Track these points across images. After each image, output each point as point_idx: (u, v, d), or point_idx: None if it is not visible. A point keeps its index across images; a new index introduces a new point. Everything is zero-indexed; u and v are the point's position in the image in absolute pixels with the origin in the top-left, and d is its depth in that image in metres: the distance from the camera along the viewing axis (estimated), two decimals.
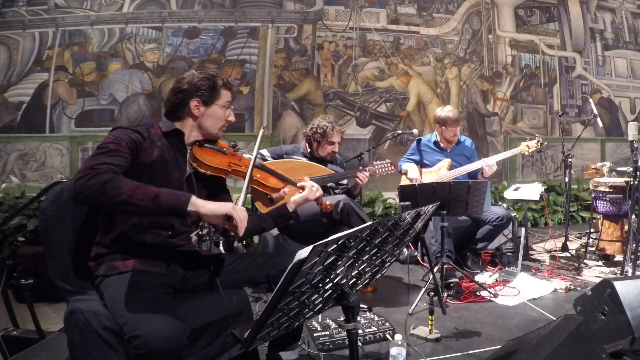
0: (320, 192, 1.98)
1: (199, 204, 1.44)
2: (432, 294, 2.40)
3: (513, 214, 3.72)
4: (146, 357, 1.29)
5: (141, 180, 1.50)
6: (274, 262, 1.75)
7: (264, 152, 3.16)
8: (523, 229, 3.71)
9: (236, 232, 1.50)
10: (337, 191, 3.20)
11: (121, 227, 1.60)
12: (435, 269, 2.80)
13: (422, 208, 1.40)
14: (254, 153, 1.77)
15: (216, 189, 1.84)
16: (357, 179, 3.04)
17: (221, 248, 3.57)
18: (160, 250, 1.64)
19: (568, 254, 3.93)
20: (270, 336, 1.20)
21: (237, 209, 1.49)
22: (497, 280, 3.23)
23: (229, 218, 1.48)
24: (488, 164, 3.46)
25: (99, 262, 1.60)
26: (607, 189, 3.63)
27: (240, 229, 1.49)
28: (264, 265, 1.75)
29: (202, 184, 1.77)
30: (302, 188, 1.95)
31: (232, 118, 1.79)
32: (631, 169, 3.18)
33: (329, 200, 2.77)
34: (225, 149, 1.80)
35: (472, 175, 3.61)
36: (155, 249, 1.63)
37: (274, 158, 3.12)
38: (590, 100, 4.48)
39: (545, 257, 3.97)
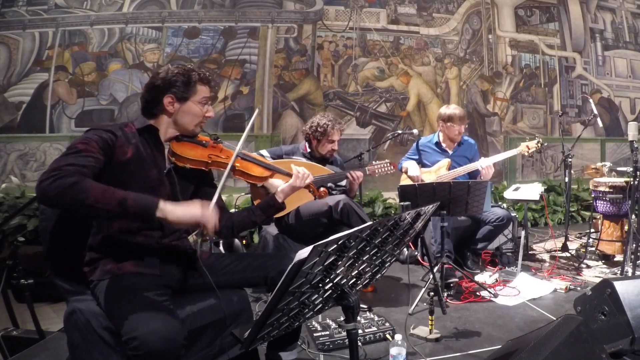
0: (310, 178, 1.92)
1: (167, 210, 1.41)
2: (432, 294, 2.40)
3: (513, 214, 3.72)
4: (144, 358, 1.29)
5: (118, 179, 1.49)
6: (272, 263, 1.74)
7: (264, 152, 3.16)
8: (523, 229, 3.71)
9: (205, 234, 1.48)
10: (334, 192, 3.19)
11: (107, 229, 1.59)
12: (435, 269, 2.80)
13: (422, 208, 1.40)
14: (241, 141, 1.69)
15: (201, 184, 1.81)
16: (350, 178, 3.03)
17: (221, 248, 3.57)
18: (153, 252, 1.63)
19: (568, 254, 3.92)
20: (270, 336, 1.19)
21: (205, 213, 1.46)
22: (497, 280, 3.23)
23: (197, 222, 1.46)
24: (484, 166, 3.45)
25: (94, 267, 1.59)
26: (607, 189, 3.63)
27: (210, 230, 1.47)
28: (263, 267, 1.74)
29: (186, 179, 1.73)
30: (291, 175, 1.89)
31: (210, 114, 1.73)
32: (631, 169, 3.18)
33: (329, 201, 2.79)
34: (205, 142, 1.74)
35: (473, 175, 3.61)
36: (148, 251, 1.62)
37: (274, 158, 3.12)
38: (590, 100, 4.48)
39: (545, 257, 3.97)
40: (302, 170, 1.91)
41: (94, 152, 1.46)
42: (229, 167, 1.64)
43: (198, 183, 1.80)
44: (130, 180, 1.54)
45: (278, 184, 1.94)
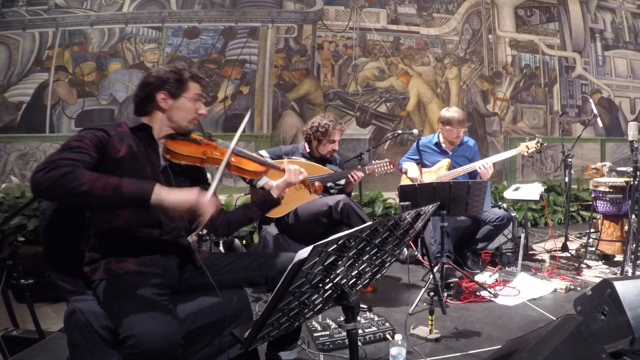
0: (304, 174, 1.94)
1: (163, 195, 1.41)
2: (432, 294, 2.40)
3: (513, 214, 3.72)
4: (140, 357, 1.29)
5: None
6: (273, 263, 1.74)
7: (263, 152, 3.16)
8: (523, 229, 3.70)
9: (199, 221, 1.47)
10: (333, 191, 3.20)
11: (105, 227, 1.59)
12: (435, 269, 2.80)
13: (422, 208, 1.40)
14: (235, 137, 1.71)
15: (196, 181, 1.81)
16: (350, 177, 3.04)
17: (221, 248, 3.57)
18: (154, 250, 1.63)
19: (568, 254, 3.92)
20: (270, 336, 1.20)
21: (201, 199, 1.46)
22: (497, 280, 3.23)
23: (193, 208, 1.45)
24: (482, 167, 3.45)
25: (95, 268, 1.59)
26: (607, 189, 3.63)
27: (205, 217, 1.46)
28: (263, 266, 1.74)
29: (182, 176, 1.75)
30: (284, 170, 1.90)
31: (203, 111, 1.75)
32: (631, 169, 3.17)
33: (329, 201, 2.79)
34: (198, 140, 1.76)
35: (473, 175, 3.61)
36: (149, 250, 1.62)
37: (273, 159, 3.12)
38: (590, 100, 4.48)
39: (545, 257, 3.97)
40: (295, 166, 1.93)
41: (87, 148, 1.48)
42: (225, 159, 1.66)
43: (193, 180, 1.81)
44: (125, 177, 1.54)
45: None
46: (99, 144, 1.52)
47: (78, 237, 1.66)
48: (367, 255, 1.23)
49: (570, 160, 4.00)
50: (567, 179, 4.03)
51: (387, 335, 2.31)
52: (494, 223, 3.47)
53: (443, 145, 3.73)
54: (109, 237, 1.59)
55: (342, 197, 2.87)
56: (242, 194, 4.12)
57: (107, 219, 1.60)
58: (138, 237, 1.62)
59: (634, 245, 3.17)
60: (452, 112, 3.61)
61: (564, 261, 3.81)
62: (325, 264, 1.07)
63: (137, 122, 1.67)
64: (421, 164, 3.78)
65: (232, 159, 1.76)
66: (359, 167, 3.13)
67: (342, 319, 2.01)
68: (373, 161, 3.19)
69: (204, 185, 1.81)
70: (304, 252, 0.97)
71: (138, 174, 1.59)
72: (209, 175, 2.00)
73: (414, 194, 2.82)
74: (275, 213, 2.93)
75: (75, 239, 1.66)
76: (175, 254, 1.70)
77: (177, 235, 1.72)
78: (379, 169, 3.16)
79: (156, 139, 1.69)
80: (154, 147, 1.69)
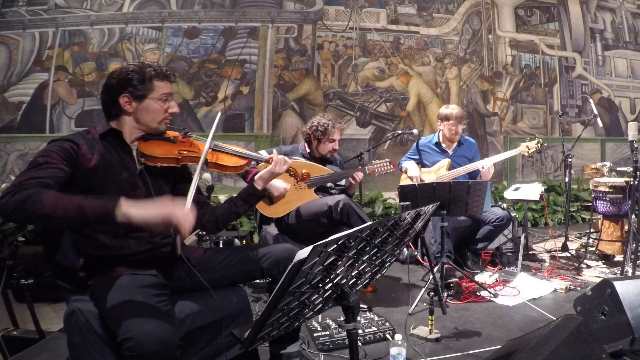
0: (288, 163, 1.86)
1: (131, 213, 1.31)
2: (432, 294, 2.40)
3: (513, 214, 3.72)
4: (138, 359, 1.29)
5: (88, 187, 1.45)
6: (267, 254, 1.71)
7: (262, 152, 3.16)
8: (523, 229, 3.70)
9: (180, 234, 1.40)
10: (333, 191, 3.20)
11: (93, 237, 1.55)
12: (435, 269, 2.80)
13: (422, 208, 1.40)
14: (211, 133, 1.63)
15: (177, 180, 1.78)
16: (352, 181, 3.06)
17: (221, 246, 3.57)
18: (146, 252, 1.62)
19: (568, 254, 3.92)
20: (270, 336, 1.20)
21: (177, 212, 1.37)
22: (497, 280, 3.23)
23: (168, 221, 1.36)
24: (484, 167, 3.45)
25: (89, 272, 1.58)
26: (607, 189, 3.63)
27: (184, 231, 1.38)
28: (257, 259, 1.71)
29: (161, 178, 1.69)
30: (269, 162, 1.83)
31: (174, 110, 1.65)
32: (631, 169, 3.18)
33: (329, 201, 2.79)
34: (173, 138, 1.67)
35: (473, 175, 3.61)
36: (142, 252, 1.61)
37: None
38: (590, 100, 4.48)
39: (545, 257, 3.97)
40: (280, 156, 1.86)
41: (55, 163, 1.42)
42: (201, 161, 1.60)
43: (174, 180, 1.77)
44: (101, 186, 1.51)
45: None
46: (67, 156, 1.46)
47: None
48: (367, 255, 1.23)
49: (570, 160, 4.00)
50: (567, 179, 4.03)
51: (387, 335, 2.31)
52: (494, 223, 3.47)
53: (443, 145, 3.73)
54: (101, 243, 1.57)
55: (342, 197, 2.87)
56: None
57: (91, 245, 1.57)
58: (130, 242, 1.59)
59: (634, 245, 3.17)
60: (451, 108, 3.64)
61: (564, 261, 3.81)
62: (325, 264, 1.07)
63: (105, 127, 1.61)
64: (421, 164, 3.78)
65: (209, 156, 1.68)
66: (359, 167, 3.13)
67: (342, 319, 2.01)
68: (373, 161, 3.19)
69: (187, 184, 1.72)
70: (304, 252, 0.97)
71: (114, 181, 1.56)
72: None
73: (414, 194, 2.82)
74: (276, 213, 2.93)
75: (75, 240, 1.65)
76: (169, 253, 1.68)
77: (167, 236, 1.67)
78: (379, 169, 3.16)
79: (128, 142, 1.62)
80: (127, 151, 1.62)
